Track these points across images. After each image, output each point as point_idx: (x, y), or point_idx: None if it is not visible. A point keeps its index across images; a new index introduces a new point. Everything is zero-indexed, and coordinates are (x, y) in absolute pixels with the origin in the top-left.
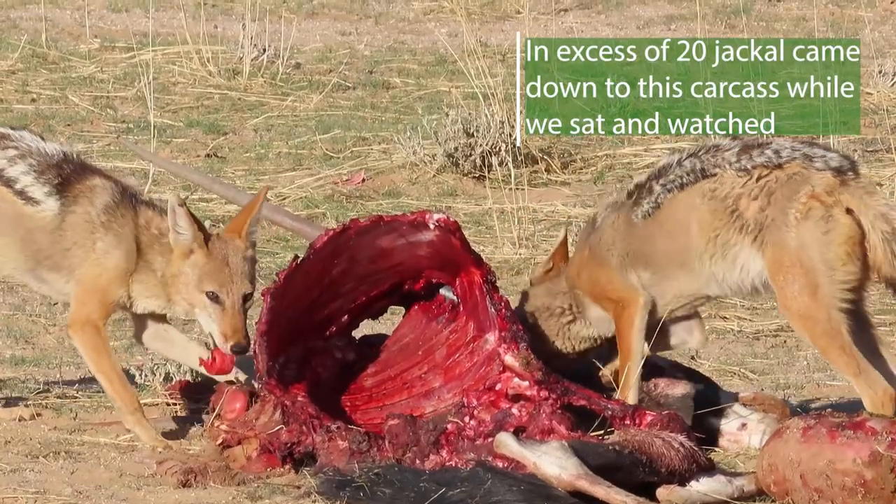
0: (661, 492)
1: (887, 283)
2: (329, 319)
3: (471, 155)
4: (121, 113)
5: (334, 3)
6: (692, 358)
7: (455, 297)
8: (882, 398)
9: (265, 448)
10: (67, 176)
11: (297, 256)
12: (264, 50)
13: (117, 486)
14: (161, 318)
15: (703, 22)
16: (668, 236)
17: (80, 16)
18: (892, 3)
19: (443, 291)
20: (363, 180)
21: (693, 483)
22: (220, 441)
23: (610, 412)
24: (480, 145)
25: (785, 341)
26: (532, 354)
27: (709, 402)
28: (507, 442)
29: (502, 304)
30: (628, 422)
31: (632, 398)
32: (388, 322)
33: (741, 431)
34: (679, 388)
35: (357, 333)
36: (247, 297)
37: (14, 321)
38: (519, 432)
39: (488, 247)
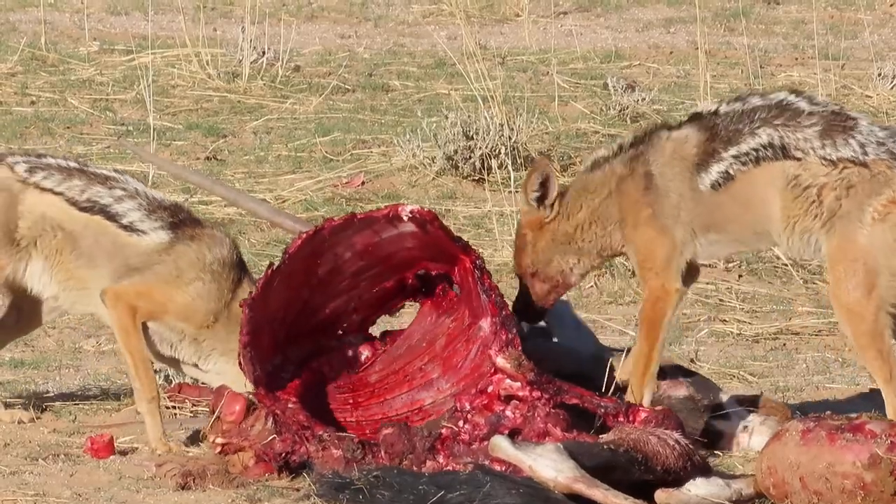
0: (660, 495)
1: None
2: (337, 318)
3: (470, 157)
4: (120, 115)
5: (334, 5)
6: (692, 360)
7: (457, 289)
8: None
9: (260, 458)
10: (182, 220)
11: (271, 264)
12: (264, 53)
13: (116, 488)
14: None
15: (703, 25)
16: (743, 209)
17: (79, 18)
18: (891, 5)
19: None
20: (363, 183)
21: (691, 486)
22: (218, 451)
23: (603, 410)
24: (480, 148)
25: (784, 344)
26: (523, 354)
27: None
28: (502, 445)
29: (493, 290)
30: (622, 419)
31: (648, 389)
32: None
33: (743, 434)
34: (682, 390)
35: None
36: None
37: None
38: (514, 434)
39: (488, 249)
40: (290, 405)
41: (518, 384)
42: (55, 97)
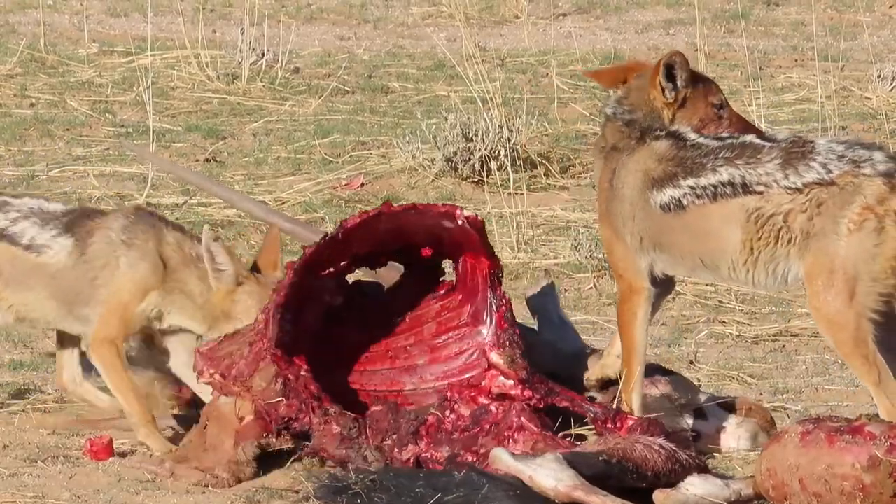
0: (658, 495)
1: None
2: (328, 267)
3: (470, 159)
4: (120, 117)
5: (333, 7)
6: (690, 362)
7: (453, 276)
8: None
9: (260, 415)
10: (74, 220)
11: (326, 234)
12: (263, 54)
13: (116, 490)
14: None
15: (702, 26)
16: (694, 239)
17: (78, 20)
18: (890, 7)
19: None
20: (362, 184)
21: (689, 486)
22: (206, 380)
23: (592, 415)
24: (479, 150)
25: (784, 346)
26: (518, 353)
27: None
28: (501, 457)
29: (504, 302)
30: (610, 425)
31: (636, 396)
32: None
33: (719, 434)
34: (658, 389)
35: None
36: None
37: (13, 326)
38: (493, 428)
39: None
40: (302, 372)
41: (511, 382)
42: (54, 99)
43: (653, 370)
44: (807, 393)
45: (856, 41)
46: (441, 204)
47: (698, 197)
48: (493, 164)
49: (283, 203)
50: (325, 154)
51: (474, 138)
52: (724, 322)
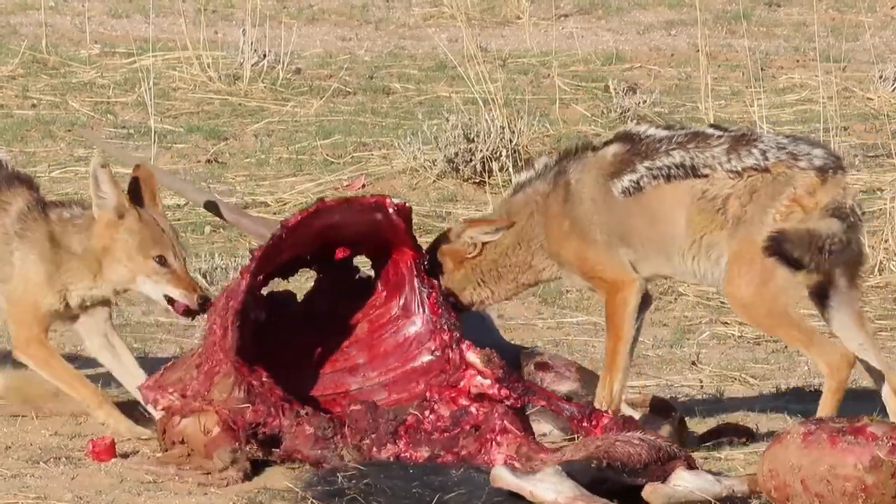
0: (646, 489)
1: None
2: (259, 284)
3: (471, 160)
4: (121, 118)
5: (334, 8)
6: (693, 363)
7: (370, 272)
8: (839, 362)
9: (227, 424)
10: None
11: (273, 235)
12: (265, 55)
13: (118, 491)
14: (107, 327)
15: (704, 27)
16: (649, 223)
17: (80, 21)
18: (892, 7)
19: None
20: (363, 185)
21: (679, 481)
22: (161, 407)
23: (568, 413)
24: (481, 150)
25: (785, 347)
26: (494, 353)
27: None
28: (502, 475)
29: (433, 288)
30: (585, 423)
31: (619, 382)
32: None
33: None
34: (566, 385)
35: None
36: (185, 261)
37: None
38: (474, 430)
39: None
40: (265, 378)
41: (488, 381)
42: (56, 100)
43: (564, 366)
44: (809, 393)
45: (857, 42)
46: (371, 195)
47: (654, 178)
48: (495, 165)
49: (285, 204)
50: (327, 155)
51: (476, 139)
52: (726, 323)
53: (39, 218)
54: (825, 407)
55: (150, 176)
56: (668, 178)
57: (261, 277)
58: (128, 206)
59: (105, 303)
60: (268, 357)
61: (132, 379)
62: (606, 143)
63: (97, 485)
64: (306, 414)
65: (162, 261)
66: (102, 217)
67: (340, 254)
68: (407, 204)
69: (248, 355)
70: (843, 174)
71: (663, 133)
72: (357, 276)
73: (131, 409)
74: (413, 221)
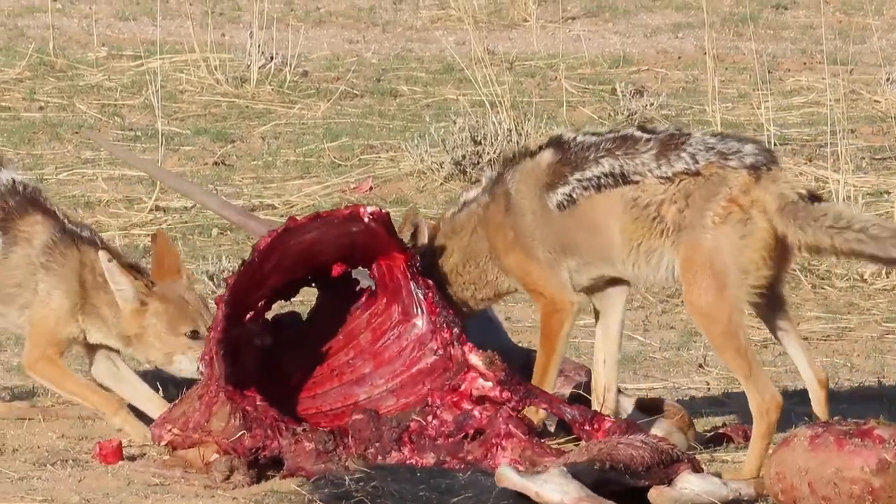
0: (652, 493)
1: (811, 251)
2: (248, 308)
3: (478, 163)
4: (128, 121)
5: (342, 10)
6: (700, 366)
7: (371, 282)
8: (769, 404)
9: (227, 453)
10: (10, 211)
11: (243, 261)
12: (272, 58)
13: (125, 493)
14: (113, 352)
15: (711, 30)
16: (587, 233)
17: (87, 24)
18: None
19: (355, 276)
20: (371, 188)
21: (685, 484)
22: (165, 442)
23: (570, 417)
24: (488, 153)
25: None
26: (496, 355)
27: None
28: (508, 475)
29: (429, 288)
30: (588, 427)
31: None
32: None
33: None
34: (569, 388)
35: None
36: None
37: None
38: (478, 435)
39: None
40: (258, 402)
41: (490, 384)
42: (63, 102)
43: (573, 371)
44: None
45: (865, 44)
46: (343, 207)
47: (585, 189)
48: None
49: (292, 206)
50: (334, 157)
51: (483, 142)
52: None
53: (68, 253)
54: (753, 454)
55: (169, 243)
56: (599, 187)
57: (262, 303)
58: (147, 291)
59: None
60: (276, 380)
61: (136, 392)
62: (541, 148)
63: (104, 487)
64: (303, 430)
65: (194, 335)
66: (126, 307)
67: (338, 270)
68: (383, 209)
69: (253, 381)
70: (777, 168)
71: (591, 139)
72: (357, 288)
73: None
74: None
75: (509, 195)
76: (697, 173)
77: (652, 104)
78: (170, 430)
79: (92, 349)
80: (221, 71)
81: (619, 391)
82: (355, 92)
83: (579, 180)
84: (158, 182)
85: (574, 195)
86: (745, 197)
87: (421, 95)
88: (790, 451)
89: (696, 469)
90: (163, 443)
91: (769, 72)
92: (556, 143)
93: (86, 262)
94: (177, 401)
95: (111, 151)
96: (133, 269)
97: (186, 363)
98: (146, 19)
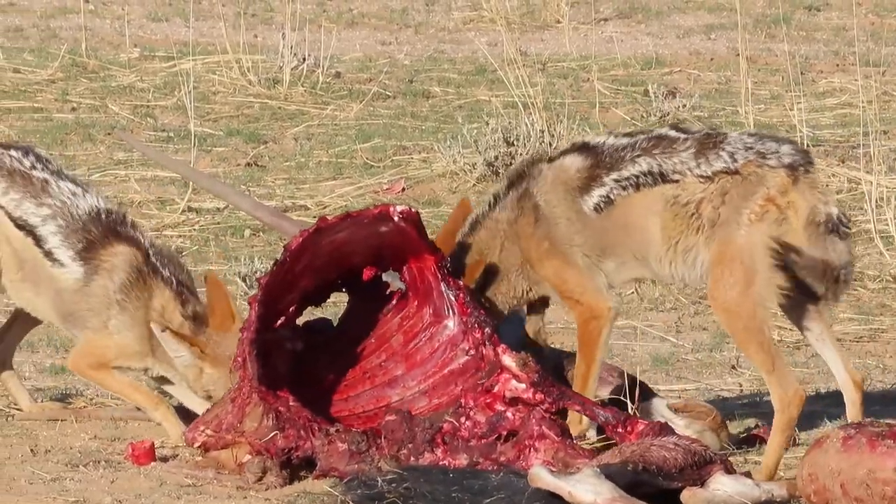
0: (685, 494)
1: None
2: (280, 312)
3: (511, 164)
4: (161, 122)
5: (374, 12)
6: (732, 367)
7: (402, 284)
8: (792, 398)
9: (259, 454)
10: (93, 241)
11: (275, 261)
12: (304, 59)
13: (157, 494)
14: None
15: (744, 31)
16: (624, 234)
17: (119, 25)
18: None
19: (386, 278)
20: (403, 189)
21: (718, 485)
22: (198, 444)
23: (603, 419)
24: (520, 154)
25: None
26: (530, 356)
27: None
28: (541, 475)
29: (460, 289)
30: (620, 429)
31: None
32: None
33: None
34: (607, 390)
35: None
36: None
37: (54, 331)
38: (510, 436)
39: None
40: (291, 402)
41: (523, 385)
42: (96, 103)
43: (606, 373)
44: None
45: None
46: (373, 206)
47: (623, 189)
48: None
49: (325, 207)
50: (367, 159)
51: (515, 143)
52: None
53: (145, 297)
54: (773, 448)
55: (219, 286)
56: (638, 186)
57: (293, 308)
58: (202, 355)
59: None
60: (308, 383)
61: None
62: (563, 154)
63: (136, 488)
64: (336, 431)
65: None
66: (186, 371)
67: (368, 273)
68: (412, 209)
69: (285, 385)
70: (813, 171)
71: (624, 140)
72: (388, 291)
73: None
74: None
75: (538, 208)
76: (736, 172)
77: (684, 105)
78: (203, 432)
79: None
80: (254, 72)
81: (653, 393)
82: (388, 93)
83: (616, 180)
84: (191, 183)
85: (611, 196)
86: (782, 197)
87: (453, 96)
88: (822, 452)
89: (729, 470)
90: (196, 445)
91: (802, 73)
92: (582, 147)
93: (156, 306)
94: (211, 405)
95: (143, 152)
96: (191, 320)
97: None
98: (178, 20)
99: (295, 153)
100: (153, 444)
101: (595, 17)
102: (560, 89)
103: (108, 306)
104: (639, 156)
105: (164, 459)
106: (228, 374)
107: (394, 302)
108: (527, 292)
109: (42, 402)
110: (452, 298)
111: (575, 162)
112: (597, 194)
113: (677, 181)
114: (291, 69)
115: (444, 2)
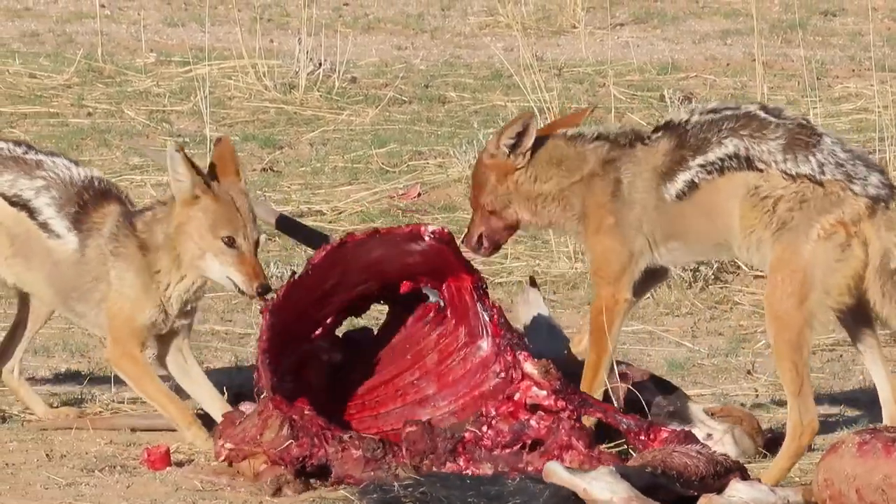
0: (702, 501)
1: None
2: (315, 324)
3: None
4: (177, 127)
5: (390, 17)
6: (748, 372)
7: (440, 300)
8: (805, 428)
9: (275, 463)
10: (84, 205)
11: (294, 272)
12: (320, 64)
13: (173, 500)
14: (185, 347)
15: (760, 36)
16: (706, 218)
17: (136, 30)
18: None
19: (425, 292)
20: (419, 194)
21: (734, 492)
22: (223, 458)
23: (626, 426)
24: None
25: (841, 356)
26: (552, 364)
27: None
28: (556, 470)
29: (495, 310)
30: (643, 437)
31: (598, 396)
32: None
33: (707, 441)
34: (647, 397)
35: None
36: (257, 244)
37: (70, 335)
38: (537, 445)
39: (544, 261)
40: (306, 411)
41: (544, 392)
42: (112, 108)
43: (643, 378)
44: (864, 403)
45: None
46: (406, 225)
47: (708, 173)
48: None
49: (340, 213)
50: (382, 164)
51: None
52: None
53: (129, 232)
54: (775, 471)
55: (231, 150)
56: (722, 170)
57: (330, 319)
58: (204, 186)
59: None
60: (340, 397)
61: (200, 390)
62: (655, 133)
63: (152, 493)
64: (350, 438)
65: (230, 242)
66: (180, 198)
67: (405, 288)
68: (445, 229)
69: (316, 398)
70: (893, 207)
71: (709, 117)
72: (425, 305)
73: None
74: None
75: (620, 183)
76: (820, 184)
77: None
78: (225, 445)
79: (164, 340)
80: (270, 77)
81: (687, 397)
82: (403, 98)
83: (702, 165)
84: None
85: (696, 180)
86: (853, 226)
87: (469, 102)
88: (838, 457)
89: (745, 477)
90: (220, 459)
91: (818, 78)
92: (669, 127)
93: (140, 227)
94: (242, 417)
95: (156, 159)
96: (195, 166)
97: (216, 267)
98: (194, 25)
99: (310, 158)
100: (168, 449)
101: (611, 22)
102: (576, 94)
103: (104, 262)
104: (726, 136)
105: (180, 464)
106: (216, 215)
107: (431, 315)
108: (545, 226)
109: (57, 407)
110: (487, 319)
111: (662, 144)
112: (681, 180)
113: (762, 171)
114: (307, 74)
115: (460, 7)
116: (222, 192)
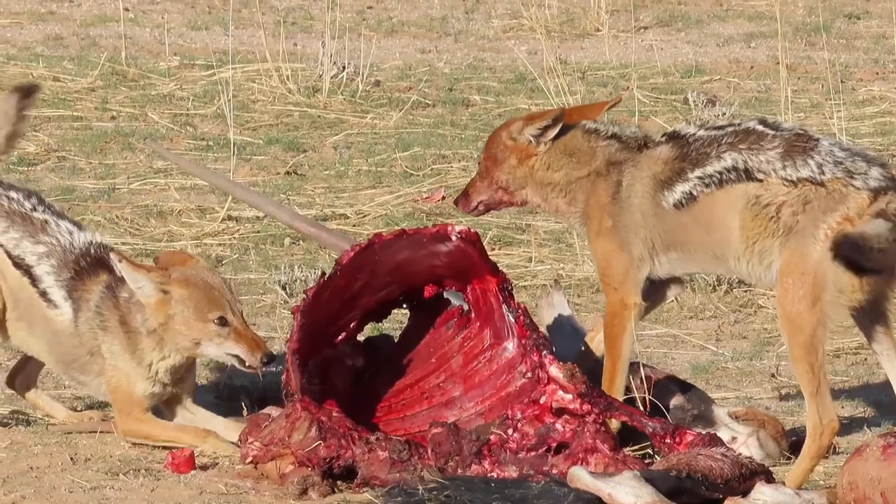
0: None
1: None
2: (340, 329)
3: None
4: (200, 130)
5: (414, 20)
6: (772, 375)
7: (464, 303)
8: (824, 427)
9: (302, 464)
10: (79, 273)
11: (324, 273)
12: (344, 67)
13: (197, 503)
14: (189, 404)
15: (784, 39)
16: (704, 231)
17: (159, 33)
18: None
19: (447, 296)
20: (443, 198)
21: (759, 495)
22: (250, 460)
23: (651, 429)
24: None
25: (865, 359)
26: (577, 367)
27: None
28: (580, 476)
29: (520, 311)
30: (669, 440)
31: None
32: (388, 322)
33: (732, 444)
34: (672, 400)
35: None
36: (243, 314)
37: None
38: (562, 448)
39: (568, 265)
40: (335, 413)
41: (570, 396)
42: (135, 112)
43: (667, 380)
44: (888, 406)
45: None
46: (433, 226)
47: (706, 186)
48: None
49: (364, 216)
50: (406, 167)
51: None
52: None
53: (112, 305)
54: (798, 473)
55: (181, 255)
56: (721, 183)
57: (353, 324)
58: (166, 278)
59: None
60: (366, 401)
61: (213, 425)
62: (659, 142)
63: (176, 497)
64: (377, 439)
65: (222, 322)
66: (150, 302)
67: (430, 291)
68: (472, 229)
69: (344, 401)
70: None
71: (712, 133)
72: (449, 308)
73: None
74: (491, 236)
75: (620, 186)
76: (821, 184)
77: (724, 114)
78: (251, 446)
79: (171, 406)
80: (293, 80)
81: (711, 401)
82: (427, 101)
83: (700, 178)
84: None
85: (694, 192)
86: (858, 219)
87: (493, 105)
88: (862, 460)
89: (770, 480)
90: (247, 461)
91: (842, 81)
92: (674, 136)
93: (121, 302)
94: (268, 419)
95: (175, 162)
96: (142, 266)
97: (214, 350)
98: (218, 29)
99: (334, 162)
100: (193, 452)
101: (635, 25)
102: (599, 98)
103: (95, 337)
104: (724, 151)
105: (204, 468)
106: (197, 300)
107: (454, 320)
108: (553, 213)
109: (81, 410)
110: (512, 320)
111: (664, 152)
112: (679, 190)
113: (761, 181)
114: (331, 77)
115: (484, 10)
116: (189, 275)
